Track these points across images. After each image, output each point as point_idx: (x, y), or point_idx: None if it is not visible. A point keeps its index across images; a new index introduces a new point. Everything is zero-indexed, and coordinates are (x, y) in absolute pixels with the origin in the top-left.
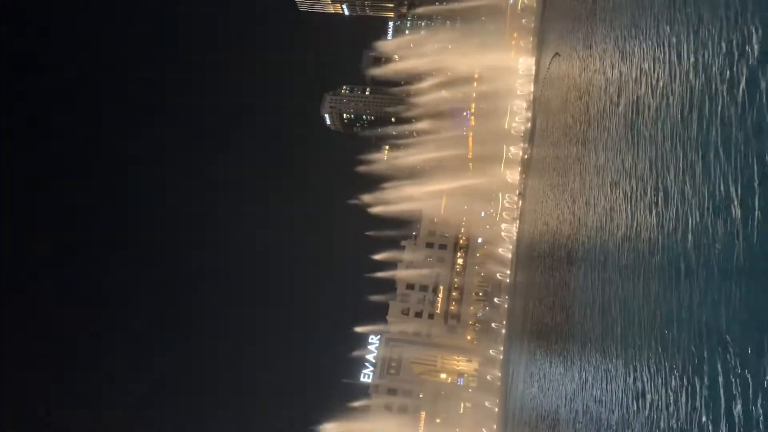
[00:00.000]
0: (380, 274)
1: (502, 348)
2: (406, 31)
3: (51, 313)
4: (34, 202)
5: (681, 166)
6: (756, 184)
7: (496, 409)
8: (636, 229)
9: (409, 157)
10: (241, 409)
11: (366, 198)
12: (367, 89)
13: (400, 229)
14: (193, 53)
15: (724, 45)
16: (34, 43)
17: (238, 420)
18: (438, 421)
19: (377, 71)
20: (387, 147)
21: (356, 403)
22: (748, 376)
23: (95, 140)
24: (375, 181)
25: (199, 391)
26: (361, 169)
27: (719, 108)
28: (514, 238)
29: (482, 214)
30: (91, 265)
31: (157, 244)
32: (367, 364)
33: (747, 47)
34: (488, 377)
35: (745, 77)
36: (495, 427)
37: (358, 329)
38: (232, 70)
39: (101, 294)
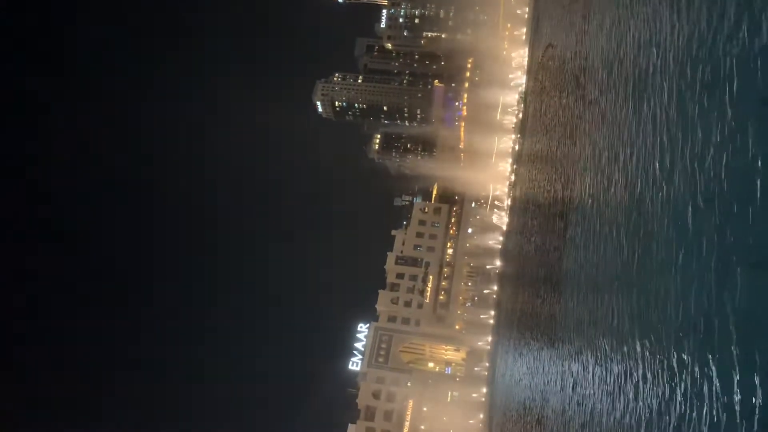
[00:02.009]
0: (370, 262)
1: (490, 338)
2: (400, 20)
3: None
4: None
5: (679, 146)
6: (758, 162)
7: (483, 399)
8: (628, 216)
9: (400, 147)
10: (224, 402)
11: (358, 188)
12: (360, 77)
13: (389, 218)
14: (186, 42)
15: (722, 22)
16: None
17: (221, 414)
18: (425, 409)
19: (370, 59)
20: (378, 135)
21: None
22: (744, 365)
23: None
24: (366, 171)
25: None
26: (352, 159)
27: (718, 86)
28: (505, 227)
29: (473, 205)
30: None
31: (153, 236)
32: (355, 352)
33: (746, 25)
34: (476, 367)
35: (742, 57)
36: (482, 416)
37: (348, 317)
38: (227, 59)
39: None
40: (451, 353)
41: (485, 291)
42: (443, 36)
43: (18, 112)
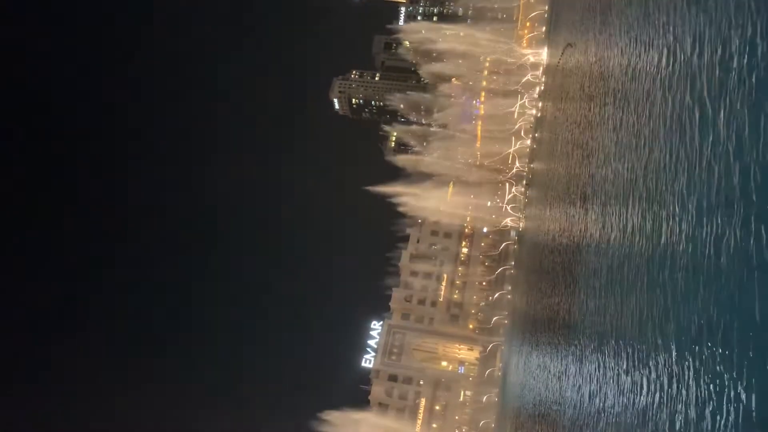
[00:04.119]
0: (385, 261)
1: (503, 338)
2: (418, 17)
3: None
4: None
5: (701, 147)
6: None
7: (496, 398)
8: (648, 216)
9: (416, 145)
10: (240, 397)
11: (373, 184)
12: (377, 75)
13: (405, 217)
14: (197, 38)
15: (748, 23)
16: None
17: (239, 408)
18: (437, 408)
19: (388, 56)
20: (395, 133)
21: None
22: (755, 375)
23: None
24: (382, 167)
25: (198, 380)
26: (368, 155)
27: (743, 89)
28: (520, 228)
29: (488, 204)
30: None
31: (157, 229)
32: (369, 349)
33: None
34: (489, 367)
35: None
36: (494, 415)
37: (362, 314)
38: (240, 56)
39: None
40: (464, 352)
41: (499, 291)
42: (461, 34)
43: None
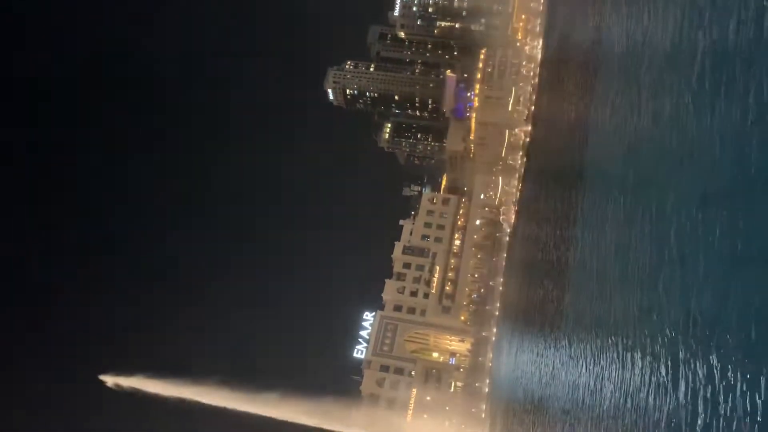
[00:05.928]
0: (377, 251)
1: (494, 329)
2: (414, 8)
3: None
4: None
5: (693, 139)
6: None
7: (486, 389)
8: (637, 209)
9: (410, 136)
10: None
11: (367, 177)
12: (372, 65)
13: (399, 207)
14: (195, 29)
15: (743, 12)
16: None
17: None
18: (428, 398)
19: (383, 47)
20: (389, 124)
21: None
22: (742, 367)
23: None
24: (376, 159)
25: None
26: (363, 146)
27: (735, 79)
28: (512, 220)
29: (482, 197)
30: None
31: (155, 217)
32: (360, 340)
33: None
34: (480, 358)
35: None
36: (484, 406)
37: (354, 305)
38: (234, 49)
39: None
40: (455, 344)
41: (491, 283)
42: (457, 26)
43: None
